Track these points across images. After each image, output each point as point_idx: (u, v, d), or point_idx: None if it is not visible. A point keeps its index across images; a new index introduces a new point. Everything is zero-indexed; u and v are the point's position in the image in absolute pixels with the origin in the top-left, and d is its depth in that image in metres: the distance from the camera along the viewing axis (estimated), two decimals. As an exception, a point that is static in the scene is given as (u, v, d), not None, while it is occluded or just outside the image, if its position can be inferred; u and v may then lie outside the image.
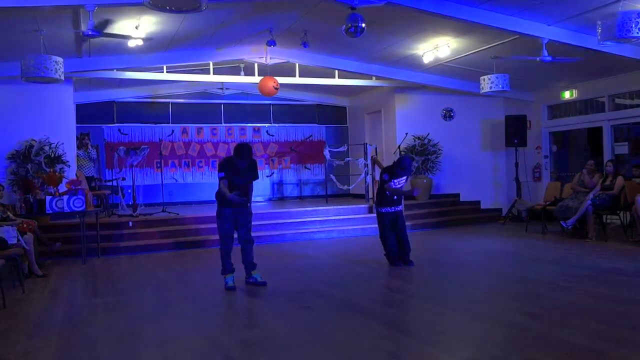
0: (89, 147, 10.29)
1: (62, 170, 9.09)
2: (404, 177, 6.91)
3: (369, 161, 10.96)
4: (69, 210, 7.73)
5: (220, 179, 5.77)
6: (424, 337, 4.16)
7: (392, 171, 6.85)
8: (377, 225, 7.10)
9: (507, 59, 8.41)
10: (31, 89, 8.78)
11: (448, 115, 12.04)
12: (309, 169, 13.84)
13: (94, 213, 8.29)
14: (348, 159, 12.61)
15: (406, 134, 11.44)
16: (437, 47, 8.93)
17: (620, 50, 7.85)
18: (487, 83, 9.19)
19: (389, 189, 6.81)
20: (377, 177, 10.73)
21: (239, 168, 5.75)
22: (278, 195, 13.54)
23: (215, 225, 6.06)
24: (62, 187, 8.27)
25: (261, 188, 13.11)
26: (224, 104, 13.15)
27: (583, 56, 7.96)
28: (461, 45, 8.77)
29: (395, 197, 6.86)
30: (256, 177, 6.01)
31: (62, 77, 7.08)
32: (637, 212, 7.87)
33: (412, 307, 5.16)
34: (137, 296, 5.83)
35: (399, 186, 6.86)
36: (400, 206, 6.96)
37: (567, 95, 11.25)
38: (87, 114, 11.49)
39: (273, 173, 13.53)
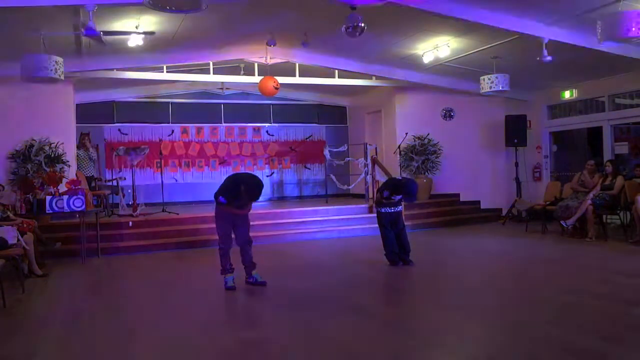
0: (90, 147, 10.26)
1: (62, 170, 9.09)
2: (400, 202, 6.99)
3: (368, 161, 10.97)
4: (69, 210, 7.73)
5: (218, 202, 5.77)
6: (424, 337, 4.16)
7: (395, 189, 6.85)
8: (376, 225, 7.11)
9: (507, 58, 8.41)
10: (31, 89, 8.78)
11: (448, 115, 12.04)
12: (309, 169, 13.84)
13: (94, 213, 8.29)
14: (348, 159, 12.60)
15: (406, 134, 11.43)
16: (437, 47, 8.92)
17: (620, 50, 7.85)
18: (487, 83, 9.19)
19: (381, 206, 6.89)
20: (378, 178, 10.79)
21: (242, 197, 5.71)
22: (278, 195, 13.53)
23: (214, 225, 6.05)
24: (62, 187, 8.27)
25: (261, 188, 13.10)
26: (224, 104, 13.15)
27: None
28: (461, 45, 8.77)
29: (395, 199, 6.89)
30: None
31: (62, 77, 7.09)
32: (637, 212, 7.87)
33: (412, 307, 5.16)
34: (137, 296, 5.82)
35: (395, 200, 6.90)
36: (400, 207, 6.98)
37: (567, 95, 11.26)
38: (87, 114, 11.48)
39: (273, 173, 13.53)
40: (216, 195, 5.82)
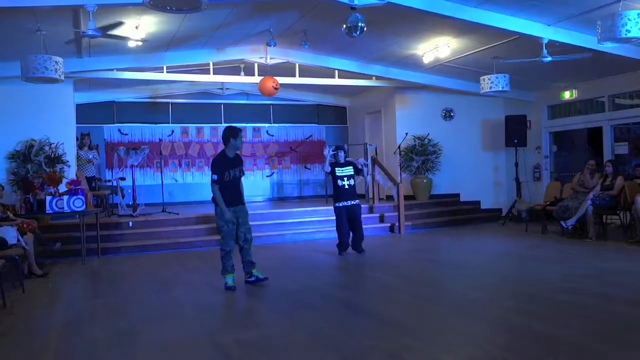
0: (86, 147, 10.24)
1: (62, 170, 9.09)
2: (349, 167, 7.58)
3: (369, 161, 10.96)
4: (69, 210, 7.73)
5: (213, 181, 5.87)
6: (424, 337, 4.16)
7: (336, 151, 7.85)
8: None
9: (509, 61, 8.39)
10: (31, 89, 8.76)
11: (448, 115, 12.04)
12: (309, 169, 13.84)
13: (94, 213, 8.29)
14: (348, 159, 12.57)
15: (406, 134, 11.43)
16: (437, 47, 8.92)
17: (620, 50, 7.85)
18: (487, 83, 9.18)
19: (338, 200, 7.54)
20: (378, 178, 10.81)
21: (229, 160, 5.86)
22: (278, 195, 13.53)
23: (215, 225, 6.05)
24: (62, 187, 8.27)
25: (261, 188, 13.18)
26: (224, 104, 13.15)
27: (591, 52, 7.80)
28: (461, 45, 8.77)
29: (347, 187, 7.38)
30: (242, 174, 6.09)
31: (62, 77, 7.07)
32: (637, 212, 7.87)
33: (412, 307, 5.15)
34: (137, 296, 5.82)
35: (345, 174, 7.55)
36: (357, 201, 7.58)
37: (567, 95, 11.25)
38: (87, 114, 11.48)
39: (273, 173, 13.53)
40: (213, 198, 5.88)
